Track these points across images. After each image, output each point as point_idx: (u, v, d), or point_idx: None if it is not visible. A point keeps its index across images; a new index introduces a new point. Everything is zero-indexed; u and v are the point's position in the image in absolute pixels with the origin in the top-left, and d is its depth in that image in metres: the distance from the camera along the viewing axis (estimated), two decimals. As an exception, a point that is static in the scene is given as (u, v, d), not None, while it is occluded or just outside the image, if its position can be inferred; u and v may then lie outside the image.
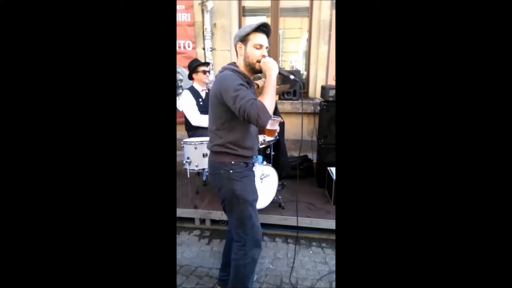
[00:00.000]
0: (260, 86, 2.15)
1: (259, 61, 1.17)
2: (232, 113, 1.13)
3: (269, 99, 1.10)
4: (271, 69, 1.14)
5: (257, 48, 1.17)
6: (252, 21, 3.42)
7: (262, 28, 1.17)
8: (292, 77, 1.25)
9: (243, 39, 1.18)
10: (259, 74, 1.30)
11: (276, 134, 2.22)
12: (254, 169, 1.99)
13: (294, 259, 1.73)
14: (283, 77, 1.36)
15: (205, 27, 3.08)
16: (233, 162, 1.22)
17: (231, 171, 1.22)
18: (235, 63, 1.25)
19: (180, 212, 2.28)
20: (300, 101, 3.10)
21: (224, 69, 1.22)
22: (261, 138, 2.14)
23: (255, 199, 1.31)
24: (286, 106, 3.09)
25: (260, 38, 1.18)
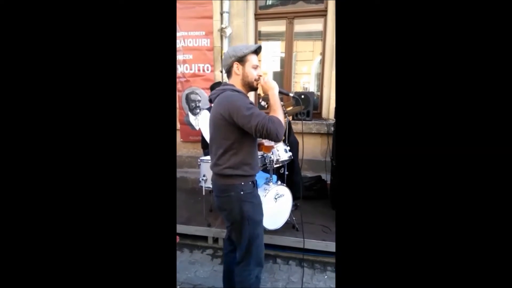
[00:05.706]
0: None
1: (256, 80, 1.27)
2: (241, 132, 1.17)
3: (281, 114, 1.21)
4: (273, 88, 1.25)
5: (254, 68, 1.26)
6: (267, 45, 3.59)
7: (257, 50, 1.28)
8: (291, 94, 1.44)
9: (241, 59, 1.24)
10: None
11: (291, 154, 2.25)
12: (268, 188, 2.03)
13: None
14: (293, 98, 1.57)
15: (223, 51, 3.24)
16: (243, 183, 1.25)
17: (242, 192, 1.24)
18: (231, 84, 1.28)
19: (194, 230, 2.29)
20: (313, 121, 3.15)
21: (223, 90, 1.24)
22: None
23: (262, 219, 1.35)
24: (299, 126, 3.13)
25: (256, 59, 1.28)
